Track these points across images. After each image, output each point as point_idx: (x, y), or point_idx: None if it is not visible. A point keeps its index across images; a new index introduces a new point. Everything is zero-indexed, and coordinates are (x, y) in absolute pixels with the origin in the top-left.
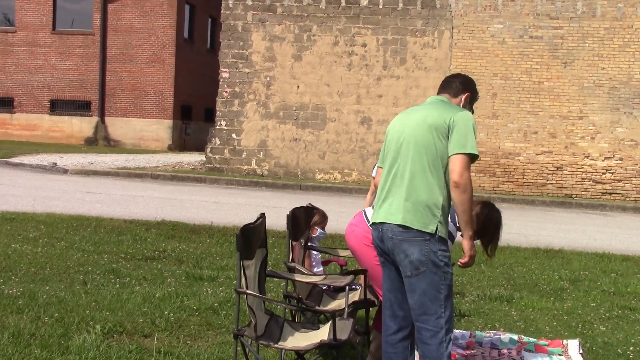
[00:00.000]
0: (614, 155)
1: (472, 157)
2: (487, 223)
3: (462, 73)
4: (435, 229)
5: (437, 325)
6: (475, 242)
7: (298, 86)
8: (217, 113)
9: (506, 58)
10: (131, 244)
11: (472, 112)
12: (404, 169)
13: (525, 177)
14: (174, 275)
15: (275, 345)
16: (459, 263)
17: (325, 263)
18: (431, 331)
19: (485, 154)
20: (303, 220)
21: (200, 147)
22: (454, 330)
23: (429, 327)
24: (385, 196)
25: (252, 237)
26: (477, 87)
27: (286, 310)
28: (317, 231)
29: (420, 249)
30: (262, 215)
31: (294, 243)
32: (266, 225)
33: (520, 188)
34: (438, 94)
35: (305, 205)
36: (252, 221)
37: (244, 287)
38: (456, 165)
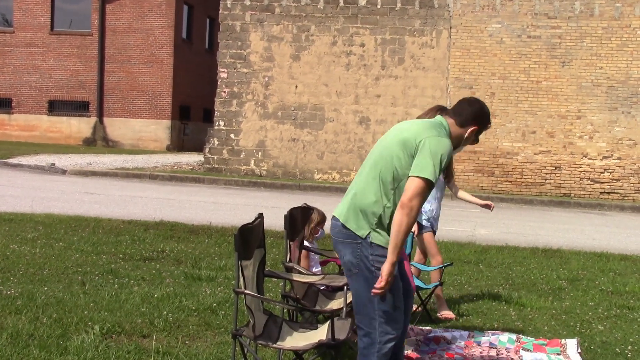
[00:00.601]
0: (612, 155)
1: (429, 184)
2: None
3: (480, 101)
4: (367, 234)
5: (370, 326)
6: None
7: (296, 86)
8: (216, 113)
9: (504, 58)
10: (130, 244)
11: (477, 142)
12: (363, 172)
13: (523, 176)
14: (172, 276)
15: (274, 345)
16: (375, 287)
17: (323, 263)
18: (363, 330)
19: (483, 153)
20: (300, 221)
21: (198, 148)
22: (452, 331)
23: (363, 326)
24: (346, 194)
25: (250, 237)
26: (489, 120)
27: (284, 310)
28: (319, 232)
29: (352, 250)
30: (260, 216)
31: (291, 243)
32: (264, 225)
33: (519, 188)
34: (449, 113)
35: (301, 205)
36: (250, 221)
37: (242, 287)
38: (410, 187)
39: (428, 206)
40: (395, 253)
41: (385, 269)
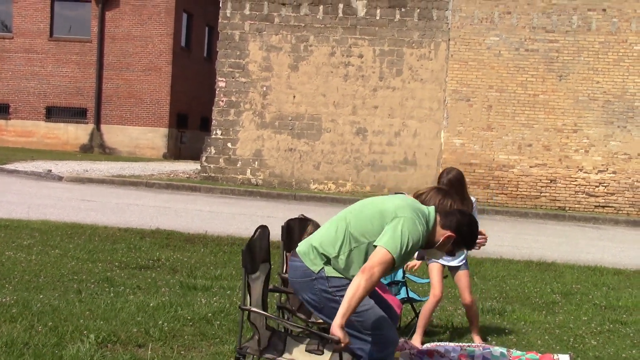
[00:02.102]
0: (607, 169)
1: (393, 261)
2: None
3: (473, 219)
4: (319, 269)
5: (362, 344)
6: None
7: (294, 96)
8: (213, 122)
9: (502, 70)
10: (125, 252)
11: (453, 255)
12: (334, 219)
13: (519, 189)
14: (168, 285)
15: (280, 358)
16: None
17: None
18: (358, 348)
19: (479, 165)
20: (297, 232)
21: (195, 156)
22: (446, 344)
23: (356, 346)
24: (310, 237)
25: (255, 251)
26: (472, 239)
27: (279, 326)
28: None
29: (310, 289)
30: (265, 228)
31: (288, 254)
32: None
33: (514, 200)
34: (440, 212)
35: (298, 216)
36: (255, 234)
37: (249, 304)
38: (376, 255)
39: None
40: (345, 317)
41: (336, 332)
